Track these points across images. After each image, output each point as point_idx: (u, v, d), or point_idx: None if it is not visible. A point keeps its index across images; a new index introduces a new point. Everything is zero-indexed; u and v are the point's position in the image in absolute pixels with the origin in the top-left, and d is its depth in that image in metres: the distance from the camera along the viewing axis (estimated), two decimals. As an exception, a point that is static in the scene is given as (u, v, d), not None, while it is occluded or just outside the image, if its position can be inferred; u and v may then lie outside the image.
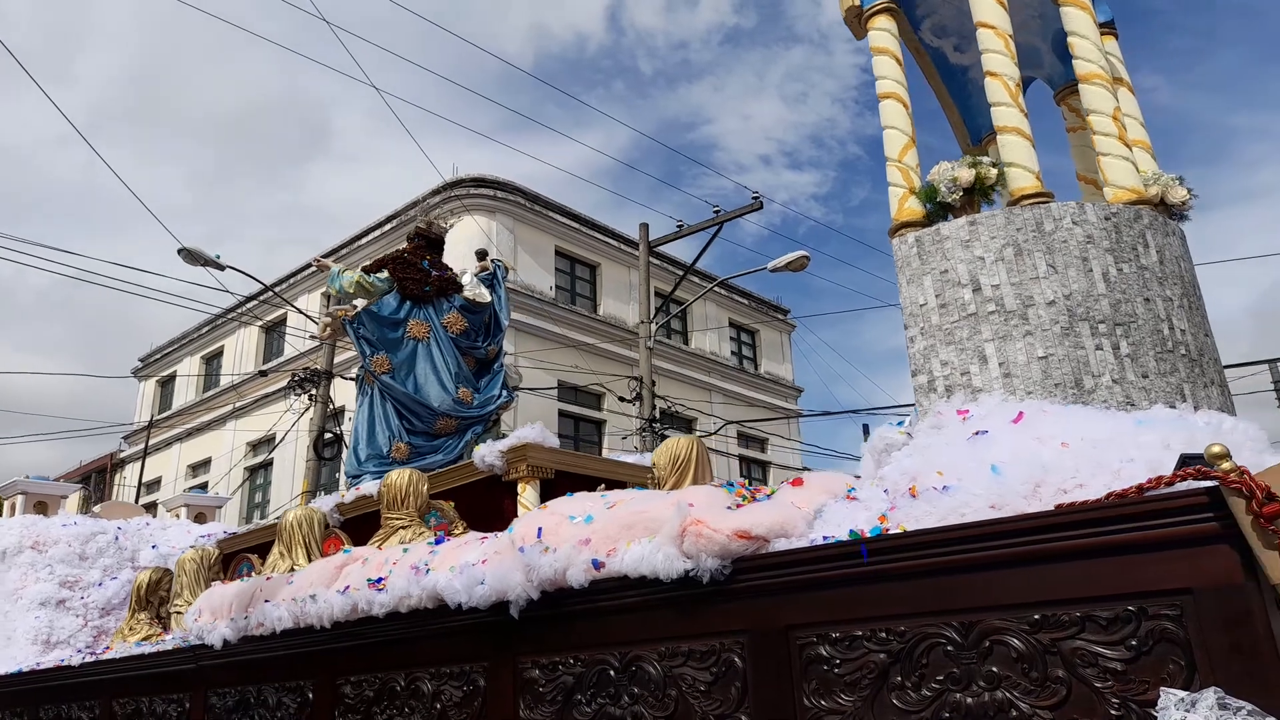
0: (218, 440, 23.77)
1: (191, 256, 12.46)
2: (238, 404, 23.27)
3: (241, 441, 22.51)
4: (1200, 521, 1.87)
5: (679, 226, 15.34)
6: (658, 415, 15.53)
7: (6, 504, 7.96)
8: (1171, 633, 1.92)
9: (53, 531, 7.45)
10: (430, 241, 6.11)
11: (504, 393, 5.96)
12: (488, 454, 4.49)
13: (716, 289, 21.20)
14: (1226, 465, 1.81)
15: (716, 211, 14.66)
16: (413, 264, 5.86)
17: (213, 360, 25.59)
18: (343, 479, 6.78)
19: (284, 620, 3.87)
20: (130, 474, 26.95)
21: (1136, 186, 2.97)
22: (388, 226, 20.58)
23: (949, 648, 2.20)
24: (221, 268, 12.84)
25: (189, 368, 26.21)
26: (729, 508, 2.72)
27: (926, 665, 2.23)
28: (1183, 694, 1.79)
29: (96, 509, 8.72)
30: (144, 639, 5.44)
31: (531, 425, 4.54)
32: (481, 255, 6.48)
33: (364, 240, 21.02)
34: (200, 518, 8.84)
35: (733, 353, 24.73)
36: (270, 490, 21.83)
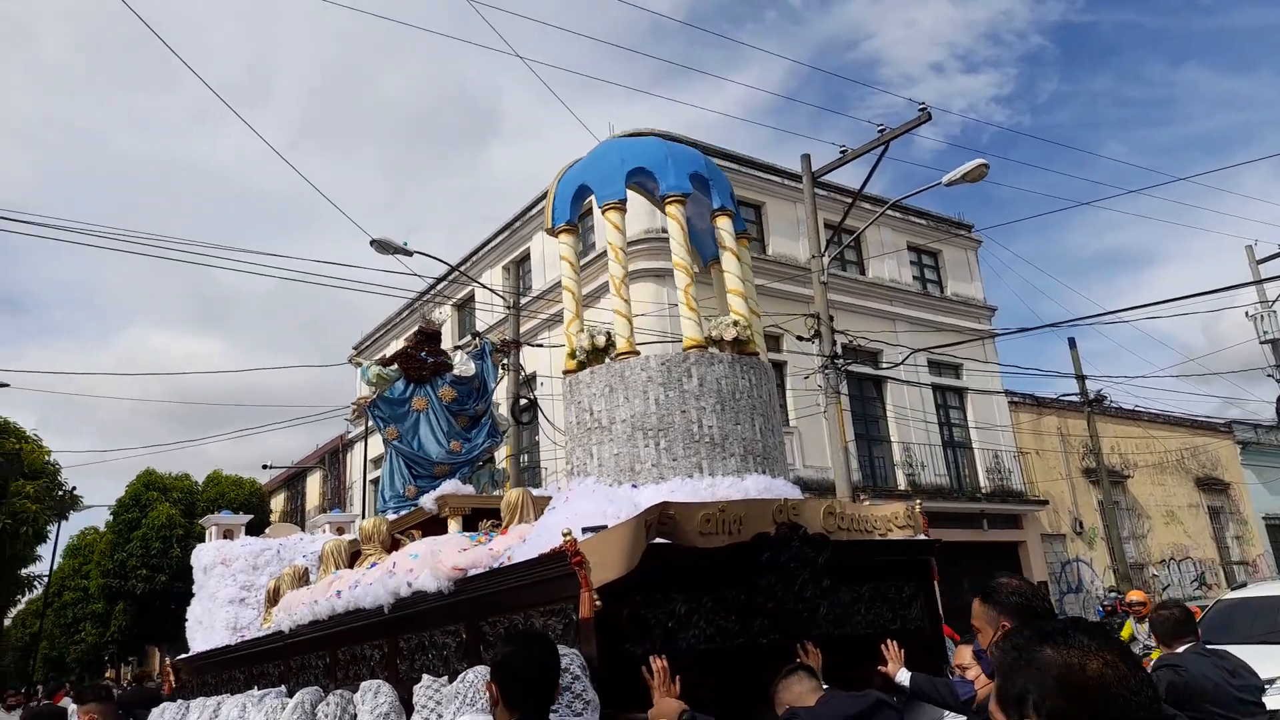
0: (430, 416, 27.08)
1: (382, 247, 13.44)
2: (443, 380, 26.32)
3: (450, 415, 25.70)
4: (571, 562, 3.85)
5: (842, 153, 14.67)
6: (839, 351, 15.12)
7: (208, 532, 11.27)
8: (570, 619, 3.92)
9: (234, 550, 10.64)
10: (428, 336, 8.52)
11: (489, 439, 8.29)
12: (426, 500, 6.84)
13: (891, 213, 20.28)
14: (567, 536, 3.79)
15: (881, 131, 14.00)
16: (413, 356, 8.30)
17: (415, 341, 29.08)
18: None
19: (307, 616, 6.40)
20: (358, 452, 30.99)
21: (695, 336, 4.81)
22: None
23: (519, 627, 4.28)
24: (410, 254, 13.61)
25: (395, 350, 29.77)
26: (462, 550, 4.88)
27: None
28: None
29: (267, 530, 11.93)
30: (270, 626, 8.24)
31: (450, 480, 6.86)
32: (475, 335, 8.82)
33: (533, 212, 21.78)
34: (341, 531, 11.84)
35: (915, 277, 23.70)
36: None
